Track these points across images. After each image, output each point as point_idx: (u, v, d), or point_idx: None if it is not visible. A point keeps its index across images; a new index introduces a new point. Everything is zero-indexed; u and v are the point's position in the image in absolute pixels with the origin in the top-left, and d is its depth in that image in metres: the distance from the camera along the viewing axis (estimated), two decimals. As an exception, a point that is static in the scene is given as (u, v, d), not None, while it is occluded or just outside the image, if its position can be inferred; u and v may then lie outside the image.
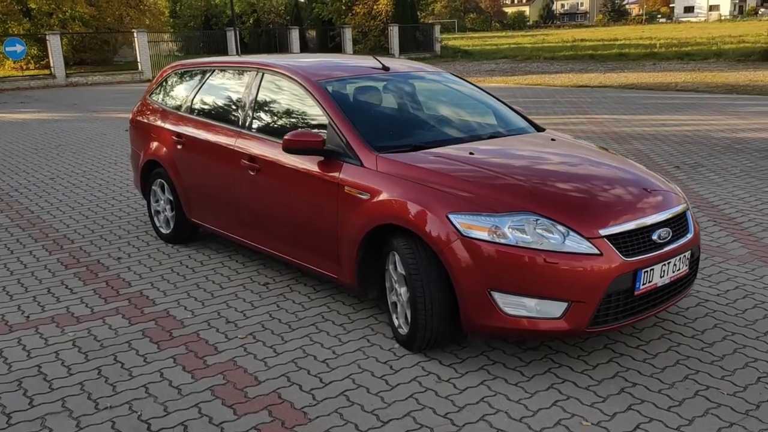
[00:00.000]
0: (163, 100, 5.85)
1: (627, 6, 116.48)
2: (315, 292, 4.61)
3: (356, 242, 3.87)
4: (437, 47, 37.34)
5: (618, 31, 61.32)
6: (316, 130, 4.20)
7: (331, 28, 38.73)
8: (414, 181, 3.66)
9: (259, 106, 4.77)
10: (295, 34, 33.18)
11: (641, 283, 3.38)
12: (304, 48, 36.49)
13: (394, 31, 35.44)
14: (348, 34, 34.70)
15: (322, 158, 4.11)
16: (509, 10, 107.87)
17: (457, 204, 3.43)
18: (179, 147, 5.34)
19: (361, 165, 3.91)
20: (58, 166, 9.43)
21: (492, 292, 3.30)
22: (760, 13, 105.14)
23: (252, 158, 4.57)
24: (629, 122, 12.19)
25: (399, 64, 5.10)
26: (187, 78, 5.68)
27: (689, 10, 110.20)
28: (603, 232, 3.31)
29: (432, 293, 3.46)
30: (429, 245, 3.46)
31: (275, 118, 4.71)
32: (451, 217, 3.39)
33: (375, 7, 37.69)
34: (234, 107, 4.99)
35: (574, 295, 3.25)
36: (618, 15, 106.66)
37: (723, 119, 12.25)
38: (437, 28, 38.59)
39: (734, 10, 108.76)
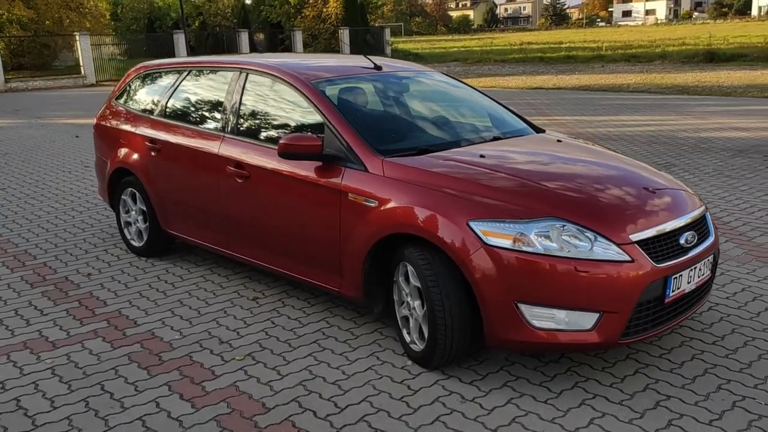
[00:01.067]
0: (132, 103, 5.47)
1: (567, 10, 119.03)
2: (310, 306, 4.33)
3: (363, 253, 3.62)
4: (388, 50, 37.24)
5: (561, 35, 62.51)
6: (310, 134, 3.91)
7: (280, 31, 38.23)
8: (427, 186, 3.42)
9: (245, 108, 4.46)
10: (244, 37, 32.58)
11: (671, 289, 3.22)
12: (254, 51, 35.90)
13: (344, 34, 35.20)
14: (298, 37, 34.31)
15: (320, 164, 3.84)
16: (454, 14, 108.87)
17: (477, 210, 3.21)
18: (153, 153, 4.98)
19: (366, 170, 3.65)
20: (8, 176, 8.86)
21: (518, 304, 3.09)
22: (694, 16, 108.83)
23: (239, 164, 4.26)
24: (591, 123, 12.23)
25: (389, 63, 4.86)
26: (159, 79, 5.32)
27: (627, 14, 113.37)
28: (634, 237, 3.14)
29: (451, 306, 3.23)
30: (447, 255, 3.23)
31: (264, 121, 4.41)
32: (472, 224, 3.17)
33: (324, 10, 37.39)
34: (215, 110, 4.66)
35: (605, 305, 3.07)
36: (559, 19, 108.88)
37: (682, 119, 12.41)
38: (387, 31, 38.55)
39: (670, 14, 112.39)
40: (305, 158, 3.81)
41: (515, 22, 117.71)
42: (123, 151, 5.31)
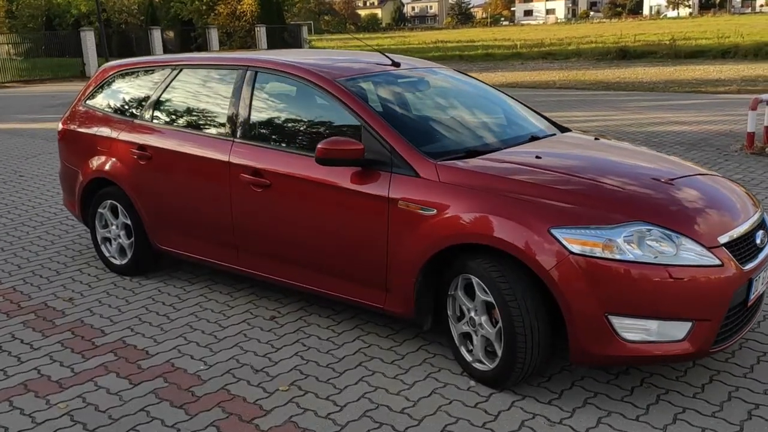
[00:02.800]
0: (108, 105, 4.92)
1: (472, 9, 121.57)
2: (336, 324, 3.99)
3: (417, 266, 3.32)
4: (306, 48, 36.66)
5: (471, 33, 63.61)
6: (349, 138, 3.57)
7: (191, 29, 36.91)
8: (494, 192, 3.16)
9: (258, 110, 4.06)
10: (157, 35, 31.17)
11: (752, 292, 3.11)
12: (164, 50, 34.48)
13: (261, 31, 34.38)
14: (214, 35, 33.23)
15: (357, 169, 3.51)
16: (362, 13, 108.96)
17: (558, 217, 2.98)
18: (142, 161, 4.48)
19: (417, 176, 3.35)
20: (-68, 187, 7.95)
21: (609, 317, 2.88)
22: (590, 15, 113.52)
23: (257, 172, 3.86)
24: (537, 120, 12.29)
25: (405, 59, 4.55)
26: (142, 79, 4.81)
27: (529, 13, 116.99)
28: (721, 239, 2.99)
29: (532, 321, 2.99)
30: (527, 266, 2.99)
31: (284, 124, 4.03)
32: (555, 232, 2.94)
33: (239, 7, 36.37)
34: (219, 113, 4.23)
35: (698, 312, 2.91)
36: (465, 18, 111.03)
37: (621, 114, 12.68)
38: (305, 28, 37.97)
39: (568, 13, 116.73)
40: (346, 164, 3.48)
41: (422, 20, 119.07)
42: (100, 159, 4.77)
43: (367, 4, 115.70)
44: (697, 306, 2.91)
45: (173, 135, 4.37)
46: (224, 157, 4.03)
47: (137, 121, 4.62)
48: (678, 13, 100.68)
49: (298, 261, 3.87)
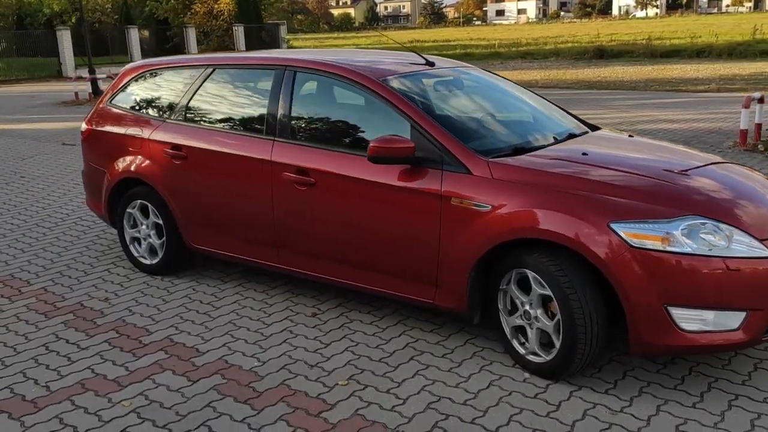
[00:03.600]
0: (136, 105, 4.92)
1: (444, 9, 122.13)
2: (379, 320, 4.05)
3: (471, 261, 3.40)
4: (284, 47, 36.58)
5: (445, 33, 63.93)
6: (401, 136, 3.62)
7: (167, 28, 36.55)
8: (550, 188, 3.25)
9: (299, 110, 4.11)
10: (134, 34, 30.81)
11: (797, 282, 3.23)
12: (141, 50, 34.11)
13: (239, 31, 34.21)
14: (192, 35, 33.00)
15: (406, 167, 3.58)
16: (336, 12, 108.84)
17: (616, 211, 3.08)
18: (177, 161, 4.49)
19: (469, 173, 3.43)
20: (-68, 189, 7.83)
21: (668, 308, 2.99)
22: (561, 15, 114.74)
23: (302, 171, 3.91)
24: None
25: (436, 59, 4.62)
26: (171, 79, 4.81)
27: (500, 13, 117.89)
28: (770, 232, 3.12)
29: (591, 314, 3.09)
30: (586, 260, 3.08)
31: (328, 124, 4.08)
32: (614, 226, 3.04)
33: (216, 6, 36.11)
34: (258, 112, 4.26)
35: (751, 302, 3.03)
36: (437, 18, 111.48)
37: (608, 113, 12.88)
38: (283, 28, 37.88)
39: (539, 13, 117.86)
40: (397, 162, 3.54)
41: (395, 20, 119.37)
42: (130, 159, 4.76)
43: (340, 3, 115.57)
44: (750, 296, 3.03)
45: (209, 134, 4.39)
46: (265, 156, 4.06)
47: (169, 121, 4.63)
48: (646, 14, 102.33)
49: (342, 258, 3.92)
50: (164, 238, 4.71)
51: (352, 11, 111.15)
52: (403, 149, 3.49)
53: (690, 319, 3.01)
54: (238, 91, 4.46)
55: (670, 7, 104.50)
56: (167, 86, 4.81)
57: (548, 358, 3.27)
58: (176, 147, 4.50)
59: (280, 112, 4.11)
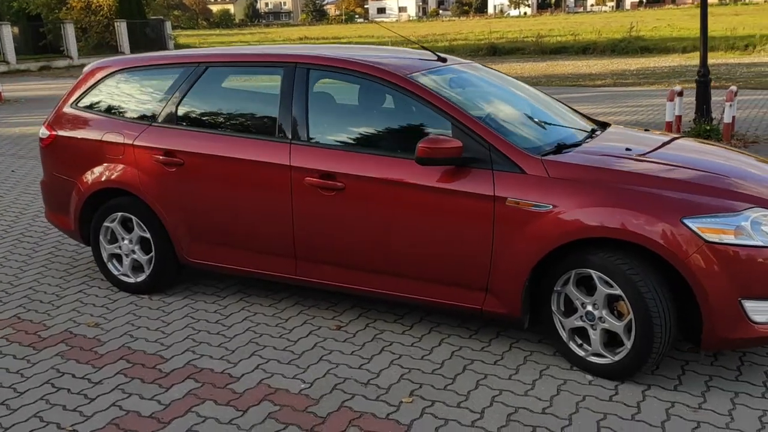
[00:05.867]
0: (112, 108, 4.43)
1: (326, 7, 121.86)
2: (409, 328, 3.86)
3: (530, 264, 3.28)
4: (171, 44, 35.07)
5: (333, 30, 63.65)
6: (447, 136, 3.44)
7: (40, 24, 34.02)
8: (614, 185, 3.19)
9: (318, 111, 3.83)
10: (6, 31, 28.27)
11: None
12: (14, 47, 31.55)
13: (122, 27, 32.43)
14: (70, 31, 30.88)
15: (449, 169, 3.41)
16: (215, 8, 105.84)
17: (686, 207, 3.06)
18: (171, 169, 4.08)
19: (523, 172, 3.31)
20: None
21: (742, 301, 3.00)
22: (440, 13, 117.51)
23: (328, 175, 3.64)
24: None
25: (444, 55, 4.45)
26: (155, 79, 4.38)
27: (382, 11, 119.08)
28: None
29: (665, 311, 3.06)
30: (659, 256, 3.04)
31: (356, 125, 3.82)
32: (687, 222, 3.02)
33: (95, 0, 34.00)
34: (268, 114, 3.94)
35: (810, 290, 3.10)
36: (320, 15, 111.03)
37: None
38: (168, 24, 36.32)
39: (419, 11, 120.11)
40: (446, 163, 3.37)
41: (277, 17, 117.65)
42: (109, 167, 4.29)
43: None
44: (809, 284, 3.09)
45: (209, 139, 4.02)
46: (283, 161, 3.76)
47: (157, 125, 4.20)
48: (520, 12, 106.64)
49: (376, 266, 3.69)
50: (152, 254, 4.28)
51: (231, 8, 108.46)
52: (453, 149, 3.32)
53: (760, 311, 3.04)
54: (240, 91, 4.12)
55: (540, 6, 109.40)
56: (150, 87, 4.37)
57: (616, 358, 3.22)
58: (169, 153, 4.08)
59: (295, 112, 3.81)
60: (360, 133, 3.79)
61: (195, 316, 4.08)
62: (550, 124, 3.98)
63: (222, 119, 4.09)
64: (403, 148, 3.56)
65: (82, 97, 4.57)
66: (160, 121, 4.21)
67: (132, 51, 31.38)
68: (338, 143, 3.75)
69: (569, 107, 4.57)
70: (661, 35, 30.81)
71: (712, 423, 2.91)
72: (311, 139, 3.78)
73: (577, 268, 3.24)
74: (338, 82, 3.93)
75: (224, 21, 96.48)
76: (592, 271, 3.19)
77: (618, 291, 3.12)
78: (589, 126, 4.18)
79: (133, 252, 4.35)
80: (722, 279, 2.98)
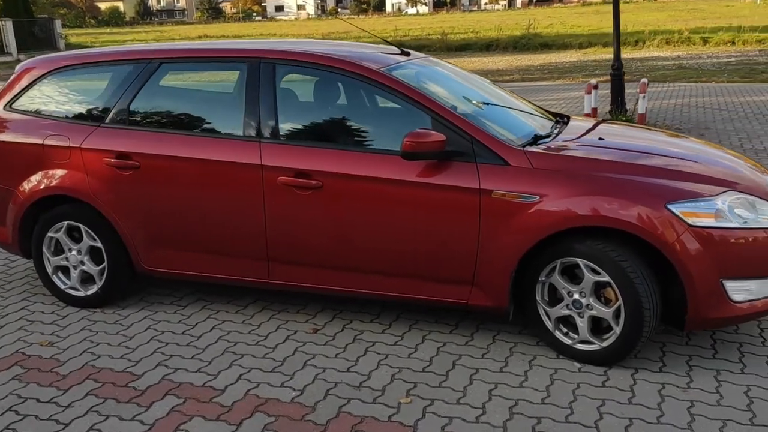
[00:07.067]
0: (52, 109, 4.10)
1: (221, 4, 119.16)
2: (387, 326, 3.79)
3: (517, 255, 3.29)
4: (61, 44, 33.26)
5: (232, 29, 62.14)
6: (430, 130, 3.38)
7: None
8: (596, 174, 3.23)
9: (289, 107, 3.69)
10: None
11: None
12: None
13: (8, 26, 30.42)
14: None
15: (431, 163, 3.36)
16: (103, 6, 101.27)
17: (669, 193, 3.15)
18: (126, 172, 3.82)
19: (506, 164, 3.31)
20: None
21: (723, 282, 3.12)
22: (339, 12, 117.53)
23: (303, 173, 3.51)
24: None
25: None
26: (101, 76, 4.07)
27: (280, 9, 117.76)
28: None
29: (653, 296, 3.13)
30: (645, 242, 3.11)
31: (327, 120, 3.70)
32: (671, 207, 3.10)
33: (-24, -2, 31.80)
34: (232, 112, 3.75)
35: (781, 267, 3.26)
36: (216, 13, 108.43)
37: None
38: (58, 23, 34.44)
39: (318, 9, 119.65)
40: (430, 157, 3.31)
41: (170, 15, 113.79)
42: (51, 173, 3.97)
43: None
44: (781, 261, 3.25)
45: (169, 139, 3.78)
46: (253, 160, 3.59)
47: (106, 126, 3.92)
48: (417, 11, 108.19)
49: (355, 265, 3.59)
50: (104, 264, 4.00)
51: (121, 5, 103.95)
52: (437, 143, 3.27)
53: (738, 291, 3.16)
54: (199, 88, 3.91)
55: (436, 5, 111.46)
56: (96, 85, 4.07)
57: (604, 344, 3.27)
58: (123, 155, 3.82)
59: (264, 110, 3.65)
60: (335, 130, 3.67)
61: (158, 328, 3.84)
62: (524, 114, 4.00)
63: (181, 118, 3.87)
64: (383, 144, 3.49)
65: (16, 98, 4.20)
66: (109, 121, 3.93)
67: (19, 52, 29.54)
68: (312, 140, 3.62)
69: (525, 99, 4.62)
70: (557, 32, 32.00)
71: (704, 401, 3.01)
72: (282, 137, 3.63)
73: (563, 257, 3.27)
74: (306, 77, 3.80)
75: (114, 19, 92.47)
76: (579, 260, 3.23)
77: (606, 278, 3.17)
78: (552, 118, 4.24)
79: (82, 263, 4.05)
80: (705, 261, 3.08)
